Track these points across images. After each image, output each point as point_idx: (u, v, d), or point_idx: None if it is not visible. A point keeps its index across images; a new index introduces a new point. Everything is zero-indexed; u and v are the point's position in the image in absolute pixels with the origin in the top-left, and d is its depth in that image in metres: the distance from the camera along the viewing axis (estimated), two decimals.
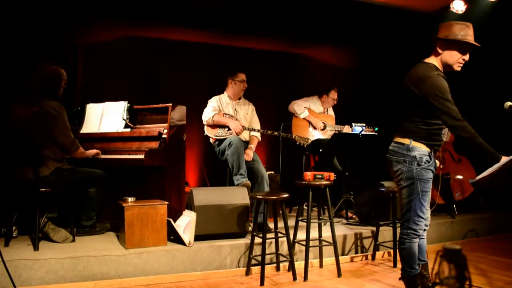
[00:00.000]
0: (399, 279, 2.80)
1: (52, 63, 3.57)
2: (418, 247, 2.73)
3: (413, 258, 2.67)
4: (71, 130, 3.52)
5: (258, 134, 4.49)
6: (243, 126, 4.28)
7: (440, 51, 2.61)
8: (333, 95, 5.27)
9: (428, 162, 2.61)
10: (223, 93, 4.52)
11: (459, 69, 2.62)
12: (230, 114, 4.38)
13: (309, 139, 4.46)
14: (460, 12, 5.17)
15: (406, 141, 2.63)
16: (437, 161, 2.84)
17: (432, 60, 2.66)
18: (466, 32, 2.54)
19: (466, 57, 2.59)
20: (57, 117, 3.39)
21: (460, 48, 2.57)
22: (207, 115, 4.35)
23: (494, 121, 4.94)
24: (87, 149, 3.71)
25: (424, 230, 2.77)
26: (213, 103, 4.42)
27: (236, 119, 4.35)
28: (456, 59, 2.59)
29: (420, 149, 2.60)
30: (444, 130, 2.67)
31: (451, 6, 5.19)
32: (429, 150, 2.63)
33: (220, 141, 4.26)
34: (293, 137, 4.43)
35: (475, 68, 5.27)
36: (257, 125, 4.54)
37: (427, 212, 2.75)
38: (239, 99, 4.53)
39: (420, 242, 2.75)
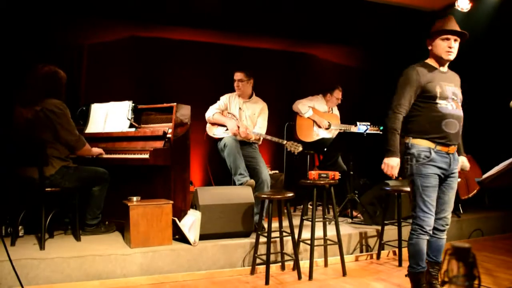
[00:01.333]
0: (406, 275, 2.80)
1: (56, 63, 3.57)
2: (433, 246, 2.75)
3: (419, 255, 2.68)
4: (76, 128, 3.53)
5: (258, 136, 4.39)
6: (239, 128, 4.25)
7: (429, 47, 2.76)
8: (338, 94, 5.26)
9: (428, 157, 2.64)
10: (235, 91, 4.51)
11: (449, 56, 2.69)
12: (233, 113, 4.37)
13: (300, 146, 4.24)
14: (465, 11, 5.14)
15: (406, 139, 2.72)
16: (464, 157, 2.85)
17: (427, 59, 2.80)
18: (444, 23, 2.68)
19: (450, 43, 2.67)
20: (60, 114, 3.39)
21: (443, 37, 2.67)
22: (209, 113, 4.40)
23: (500, 120, 4.91)
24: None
25: (443, 230, 2.77)
26: (221, 100, 4.46)
27: (237, 119, 4.34)
28: (442, 48, 2.68)
29: (419, 146, 2.66)
30: (445, 121, 2.65)
31: (456, 4, 5.16)
32: (431, 146, 2.65)
33: (220, 139, 4.28)
34: (284, 143, 4.28)
35: (481, 67, 5.26)
36: (259, 127, 4.42)
37: (443, 212, 2.75)
38: (250, 97, 4.49)
39: (437, 241, 2.76)
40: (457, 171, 2.76)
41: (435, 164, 2.64)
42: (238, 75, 4.39)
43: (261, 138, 4.42)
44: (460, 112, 2.71)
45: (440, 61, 2.73)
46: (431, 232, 2.69)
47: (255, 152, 4.35)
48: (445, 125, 2.64)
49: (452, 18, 2.70)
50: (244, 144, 4.31)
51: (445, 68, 2.77)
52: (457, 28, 2.67)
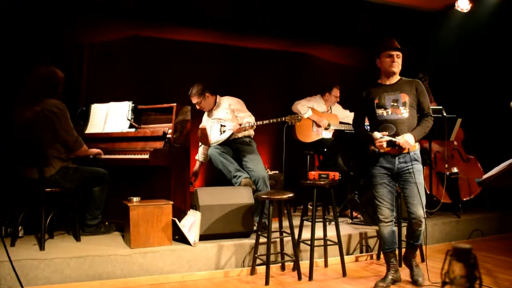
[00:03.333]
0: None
1: (57, 63, 3.58)
2: (410, 233, 3.09)
3: (383, 239, 3.15)
4: (74, 128, 3.53)
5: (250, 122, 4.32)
6: (240, 124, 4.23)
7: (379, 66, 3.18)
8: (336, 92, 5.26)
9: (374, 159, 3.09)
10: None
11: (393, 69, 3.09)
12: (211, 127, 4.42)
13: (298, 115, 4.14)
14: (465, 11, 5.13)
15: None
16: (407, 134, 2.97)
17: (379, 79, 3.22)
18: (388, 44, 3.13)
19: (393, 58, 3.09)
20: (60, 115, 3.40)
21: (386, 54, 3.12)
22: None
23: (501, 120, 4.91)
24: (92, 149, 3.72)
25: (416, 223, 3.01)
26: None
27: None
28: (387, 63, 3.10)
29: (373, 151, 3.11)
30: (381, 126, 3.04)
31: (456, 4, 5.15)
32: (376, 150, 3.06)
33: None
34: (283, 119, 4.12)
35: (481, 67, 5.26)
36: (246, 119, 4.33)
37: (410, 206, 3.01)
38: (215, 105, 4.44)
39: (415, 231, 3.05)
40: (417, 167, 3.01)
41: (379, 164, 3.07)
42: (193, 100, 4.34)
43: (254, 126, 4.33)
44: (397, 116, 3.01)
45: (388, 74, 3.12)
46: (388, 221, 3.09)
47: (247, 148, 4.28)
48: (381, 129, 3.03)
49: (390, 39, 3.17)
50: (235, 142, 4.29)
51: (393, 80, 3.12)
52: (398, 46, 3.11)
